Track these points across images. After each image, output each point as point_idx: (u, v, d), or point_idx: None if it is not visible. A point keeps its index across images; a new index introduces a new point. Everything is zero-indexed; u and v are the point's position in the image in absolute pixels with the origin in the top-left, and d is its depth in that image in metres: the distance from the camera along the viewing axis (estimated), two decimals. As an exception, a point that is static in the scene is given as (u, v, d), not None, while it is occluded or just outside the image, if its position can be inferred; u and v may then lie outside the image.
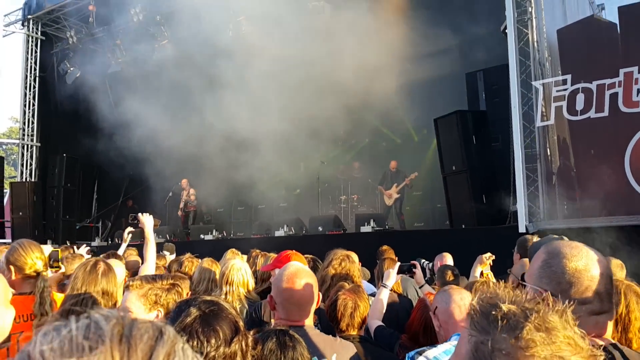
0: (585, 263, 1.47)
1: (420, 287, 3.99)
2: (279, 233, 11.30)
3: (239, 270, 3.66)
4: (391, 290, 3.75)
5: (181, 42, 14.35)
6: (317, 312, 2.89)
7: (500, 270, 4.42)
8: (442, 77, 12.49)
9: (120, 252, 5.80)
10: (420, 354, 2.10)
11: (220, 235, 13.03)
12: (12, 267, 2.85)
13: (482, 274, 4.24)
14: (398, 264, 3.88)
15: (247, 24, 13.69)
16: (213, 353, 1.45)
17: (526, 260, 4.29)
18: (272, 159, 14.31)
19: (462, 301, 2.33)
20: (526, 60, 8.58)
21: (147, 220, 3.98)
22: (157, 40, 14.74)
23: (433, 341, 2.62)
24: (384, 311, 3.49)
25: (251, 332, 1.61)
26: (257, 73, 12.89)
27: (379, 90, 12.73)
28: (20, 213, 15.18)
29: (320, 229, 10.87)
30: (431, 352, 2.10)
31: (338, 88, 12.24)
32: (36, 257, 2.90)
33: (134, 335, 0.58)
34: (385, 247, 5.96)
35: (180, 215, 14.71)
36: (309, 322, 2.40)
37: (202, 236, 12.76)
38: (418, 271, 4.05)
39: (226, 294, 3.64)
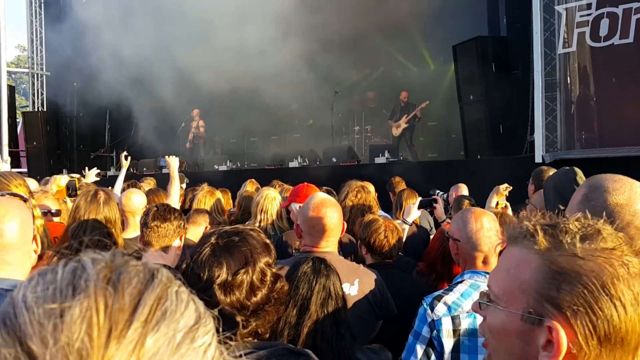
0: (627, 197, 1.41)
1: (441, 222, 3.94)
2: (293, 164, 11.32)
3: (273, 199, 3.82)
4: None
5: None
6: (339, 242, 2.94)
7: (517, 200, 4.38)
8: (461, 2, 11.98)
9: (120, 179, 5.87)
10: (438, 299, 2.10)
11: (234, 166, 13.09)
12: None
13: (497, 204, 4.21)
14: (419, 199, 3.88)
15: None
16: (229, 279, 1.46)
17: (542, 191, 4.25)
18: (284, 89, 14.11)
19: (487, 249, 2.24)
20: (550, -17, 8.15)
21: (173, 161, 4.53)
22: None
23: (450, 270, 2.64)
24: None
25: (275, 268, 1.61)
26: (265, 12, 12.49)
27: (394, 16, 12.30)
28: (35, 143, 15.31)
29: (334, 159, 10.85)
30: (449, 297, 2.10)
31: (350, 13, 11.85)
32: (20, 185, 2.93)
33: (122, 279, 0.54)
34: (397, 178, 5.91)
35: (188, 146, 14.72)
36: (334, 249, 2.50)
37: (215, 166, 12.83)
38: (439, 206, 4.03)
39: (260, 222, 3.81)
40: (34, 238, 1.89)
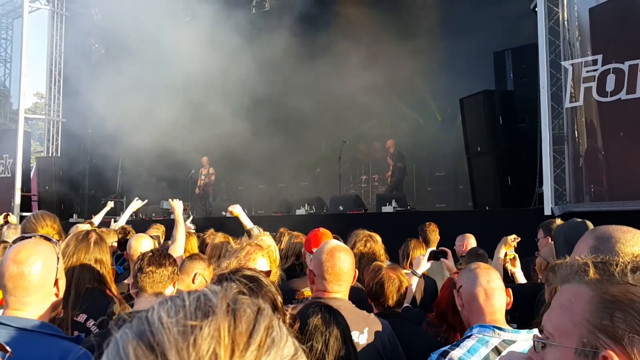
0: None
1: (453, 274, 3.91)
2: (300, 212, 11.33)
3: (268, 246, 3.75)
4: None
5: (206, 19, 14.31)
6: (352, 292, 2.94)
7: (525, 252, 4.35)
8: (468, 56, 12.25)
9: (124, 218, 5.96)
10: (444, 356, 2.08)
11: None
12: None
13: (506, 255, 4.18)
14: (429, 250, 3.85)
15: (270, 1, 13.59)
16: None
17: (552, 243, 4.22)
18: (293, 138, 14.31)
19: (488, 284, 2.23)
20: (556, 39, 8.35)
21: (177, 205, 4.52)
22: (181, 17, 14.74)
23: (462, 320, 2.61)
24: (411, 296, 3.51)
25: (289, 309, 1.61)
26: (276, 53, 12.84)
27: (401, 69, 12.57)
28: (47, 187, 15.48)
29: (341, 208, 10.86)
30: (456, 353, 2.07)
31: (359, 68, 12.12)
32: (46, 225, 2.99)
33: (239, 309, 0.64)
34: (432, 226, 5.69)
35: (198, 192, 14.82)
36: (345, 295, 2.51)
37: (223, 213, 12.86)
38: (449, 258, 3.98)
39: None
40: (56, 282, 1.91)
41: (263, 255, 2.75)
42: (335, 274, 2.44)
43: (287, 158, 14.69)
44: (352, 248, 3.85)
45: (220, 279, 1.64)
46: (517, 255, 4.18)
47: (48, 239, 2.27)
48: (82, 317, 2.67)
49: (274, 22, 13.41)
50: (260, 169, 14.64)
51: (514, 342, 2.05)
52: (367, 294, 3.05)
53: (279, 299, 1.56)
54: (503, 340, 2.05)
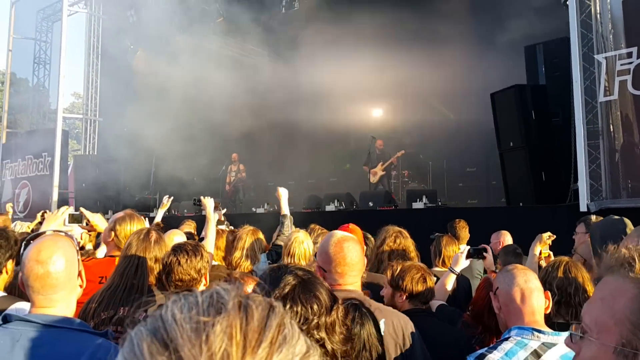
0: None
1: (491, 272, 3.79)
2: (330, 208, 11.37)
3: (301, 243, 3.80)
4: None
5: (236, 18, 14.48)
6: (369, 287, 2.94)
7: (560, 250, 4.31)
8: (499, 51, 12.09)
9: (158, 218, 6.09)
10: (481, 359, 2.03)
11: (271, 209, 13.25)
12: (112, 233, 3.24)
13: (540, 253, 4.15)
14: (467, 247, 3.72)
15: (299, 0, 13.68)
16: (316, 320, 1.46)
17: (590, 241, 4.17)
18: (322, 134, 14.37)
19: (526, 284, 2.17)
20: (588, 32, 8.18)
21: (208, 202, 4.50)
22: (213, 18, 14.96)
23: (498, 322, 2.60)
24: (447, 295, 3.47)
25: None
26: (306, 50, 12.91)
27: (431, 64, 12.49)
28: (83, 184, 15.90)
29: (371, 204, 10.87)
30: (493, 356, 2.01)
31: (389, 63, 12.09)
32: (136, 229, 3.16)
33: (251, 305, 0.65)
34: (462, 222, 5.61)
35: (228, 189, 15.02)
36: (358, 287, 2.41)
37: (254, 209, 13.01)
38: (489, 256, 3.82)
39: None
40: (79, 274, 1.96)
41: None
42: (347, 265, 2.32)
43: (316, 154, 14.77)
44: (381, 244, 3.85)
45: (271, 273, 1.65)
46: (552, 253, 4.15)
47: (64, 233, 2.35)
48: (142, 316, 2.74)
49: (301, 21, 13.48)
50: (290, 165, 14.74)
51: (554, 344, 1.99)
52: (394, 292, 2.96)
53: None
54: (542, 343, 2.00)
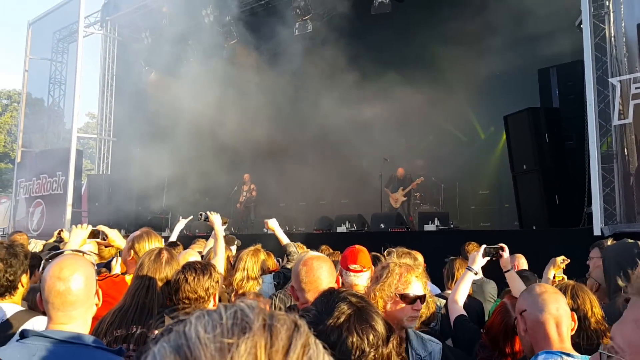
0: None
1: (506, 272, 3.64)
2: (341, 229, 11.32)
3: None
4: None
5: (249, 40, 14.71)
6: None
7: (574, 274, 4.24)
8: (512, 73, 12.11)
9: (173, 237, 6.08)
10: None
11: (282, 230, 13.20)
12: (132, 251, 3.31)
13: (554, 277, 4.09)
14: (484, 246, 3.60)
15: (313, 23, 13.85)
16: (373, 353, 1.41)
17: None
18: (334, 155, 14.40)
19: (557, 311, 2.07)
20: (602, 56, 8.17)
21: (215, 219, 4.37)
22: (227, 40, 15.19)
23: (513, 346, 2.52)
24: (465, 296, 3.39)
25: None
26: (318, 72, 13.01)
27: (444, 86, 12.53)
28: (97, 203, 16.03)
29: (382, 226, 10.81)
30: None
31: (401, 85, 12.14)
32: (154, 246, 3.26)
33: (276, 325, 0.63)
34: (473, 245, 5.53)
35: (240, 208, 15.04)
36: None
37: (265, 230, 12.97)
38: (505, 254, 3.63)
39: None
40: (96, 292, 2.04)
41: (417, 277, 2.45)
42: (311, 283, 2.33)
43: (328, 175, 14.77)
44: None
45: (323, 300, 1.56)
46: (565, 277, 4.09)
47: (83, 253, 2.42)
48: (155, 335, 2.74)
49: (315, 43, 13.62)
50: (301, 186, 14.75)
51: None
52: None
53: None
54: None
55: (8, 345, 1.83)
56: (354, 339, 1.40)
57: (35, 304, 2.57)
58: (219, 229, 4.32)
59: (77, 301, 1.92)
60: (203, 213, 4.49)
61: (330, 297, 1.53)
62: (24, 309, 2.61)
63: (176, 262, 2.97)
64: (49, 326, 1.94)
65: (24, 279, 2.68)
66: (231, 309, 0.65)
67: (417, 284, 2.41)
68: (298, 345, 0.62)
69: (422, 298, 2.39)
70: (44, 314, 2.42)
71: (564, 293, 2.84)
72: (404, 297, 2.35)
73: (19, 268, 2.64)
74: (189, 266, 2.69)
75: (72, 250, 2.74)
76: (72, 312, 1.92)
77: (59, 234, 6.89)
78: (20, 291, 2.67)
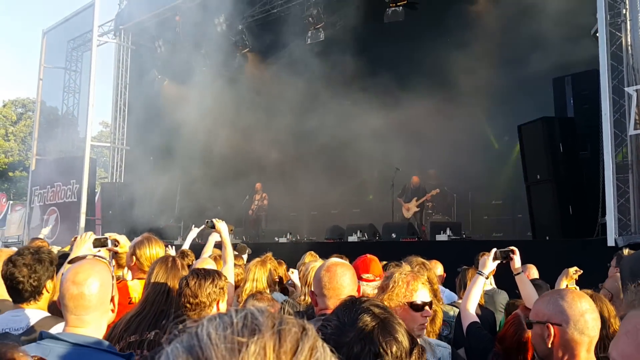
0: None
1: (516, 275, 3.57)
2: (352, 238, 11.29)
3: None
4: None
5: (261, 49, 14.80)
6: None
7: (587, 285, 4.17)
8: (526, 82, 12.03)
9: (185, 245, 6.10)
10: None
11: (293, 239, 13.21)
12: (133, 257, 3.34)
13: (567, 287, 4.03)
14: (494, 249, 3.57)
15: (325, 32, 13.93)
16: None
17: (616, 276, 4.04)
18: (346, 165, 14.38)
19: (594, 333, 1.95)
20: (618, 65, 8.09)
21: (222, 227, 4.28)
22: (240, 49, 15.30)
23: (526, 358, 2.46)
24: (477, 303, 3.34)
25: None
26: (331, 81, 13.05)
27: (457, 95, 12.47)
28: (110, 211, 16.17)
29: (393, 235, 10.77)
30: None
31: (413, 94, 12.12)
32: (155, 252, 3.32)
33: (284, 328, 0.66)
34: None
35: (251, 217, 15.07)
36: None
37: (276, 239, 12.99)
38: (516, 257, 3.56)
39: (305, 295, 3.74)
40: (112, 299, 2.06)
41: (423, 284, 2.45)
42: (334, 289, 2.33)
43: (339, 185, 14.75)
44: None
45: (345, 310, 1.53)
46: (578, 287, 4.03)
47: (102, 259, 2.43)
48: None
49: (327, 52, 13.66)
50: (313, 195, 14.74)
51: None
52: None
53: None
54: None
55: (27, 346, 1.87)
56: (379, 351, 1.40)
57: (57, 309, 2.61)
58: (226, 236, 4.25)
59: (90, 306, 1.95)
60: (209, 220, 4.42)
61: (352, 308, 1.51)
62: (49, 315, 2.63)
63: (186, 269, 2.96)
64: (65, 329, 1.98)
65: (49, 284, 2.69)
66: (242, 312, 0.68)
67: (424, 291, 2.40)
68: (306, 348, 0.65)
69: (429, 304, 2.39)
70: None
71: None
72: (413, 306, 2.35)
73: (43, 274, 2.65)
74: (193, 271, 2.69)
75: (95, 256, 2.75)
76: (85, 316, 1.95)
77: (74, 241, 6.94)
78: (46, 297, 2.68)
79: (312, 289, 2.45)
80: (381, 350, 1.40)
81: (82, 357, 1.85)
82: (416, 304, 2.34)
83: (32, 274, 2.61)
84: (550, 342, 1.98)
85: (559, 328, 1.96)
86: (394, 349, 1.41)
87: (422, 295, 2.38)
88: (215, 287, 2.61)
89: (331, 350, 0.69)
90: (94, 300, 1.96)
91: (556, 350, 1.98)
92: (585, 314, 1.95)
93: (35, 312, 2.58)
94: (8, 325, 2.48)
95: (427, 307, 2.36)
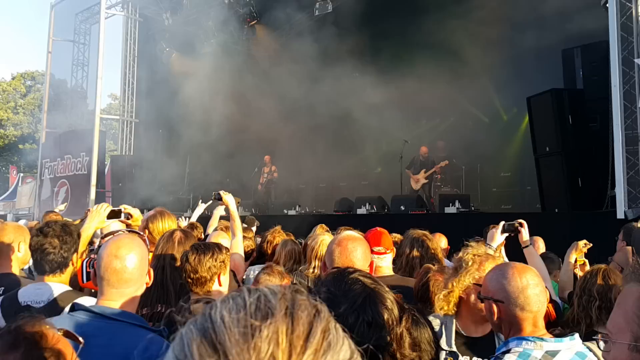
0: None
1: (525, 247, 3.58)
2: (361, 211, 11.36)
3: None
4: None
5: (269, 21, 14.67)
6: (401, 290, 2.93)
7: (596, 258, 4.23)
8: (535, 54, 11.89)
9: (193, 218, 6.20)
10: None
11: (302, 211, 13.31)
12: (146, 231, 3.32)
13: (576, 261, 4.08)
14: (502, 222, 3.59)
15: (334, 3, 13.76)
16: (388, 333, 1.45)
17: (630, 248, 4.08)
18: (354, 137, 14.38)
19: (538, 307, 1.93)
20: (629, 36, 7.98)
21: (229, 199, 4.25)
22: (247, 21, 15.17)
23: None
24: None
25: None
26: (339, 53, 12.94)
27: (466, 67, 12.37)
28: (120, 184, 16.31)
29: (402, 208, 10.83)
30: None
31: (422, 66, 12.03)
32: (168, 226, 3.34)
33: (297, 311, 0.67)
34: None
35: (260, 190, 15.16)
36: None
37: (285, 211, 13.10)
38: (524, 230, 3.57)
39: (314, 268, 3.78)
40: (148, 272, 2.15)
41: None
42: (343, 264, 2.28)
43: (348, 157, 14.78)
44: (410, 250, 3.77)
45: (335, 280, 1.56)
46: (587, 261, 4.08)
47: (138, 233, 2.49)
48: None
49: (335, 23, 13.53)
50: (321, 167, 14.79)
51: (557, 352, 1.87)
52: (415, 297, 2.90)
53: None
54: (546, 352, 1.87)
55: (59, 317, 1.95)
56: (372, 321, 1.44)
57: (75, 283, 2.66)
58: (234, 209, 4.22)
59: (131, 279, 2.03)
60: (216, 193, 4.40)
61: (342, 279, 1.54)
62: (70, 288, 2.64)
63: (191, 241, 2.97)
64: (99, 302, 2.03)
65: (75, 258, 2.73)
66: (255, 294, 0.68)
67: None
68: (318, 331, 0.65)
69: None
70: (90, 294, 2.51)
71: (596, 275, 2.96)
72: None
73: (72, 246, 2.68)
74: (193, 246, 2.70)
75: (128, 230, 2.81)
76: (125, 289, 2.03)
77: (86, 214, 7.04)
78: (70, 270, 2.71)
79: (325, 261, 2.46)
80: (374, 319, 1.45)
81: (114, 329, 1.89)
82: None
83: (63, 245, 2.62)
84: (496, 317, 2.00)
85: (502, 305, 1.96)
86: (386, 316, 1.46)
87: None
88: (215, 260, 2.61)
89: (343, 330, 0.70)
90: (135, 273, 2.03)
91: (503, 325, 2.00)
92: (525, 290, 1.92)
93: (57, 286, 2.58)
94: (30, 298, 2.49)
95: None
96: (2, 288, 2.82)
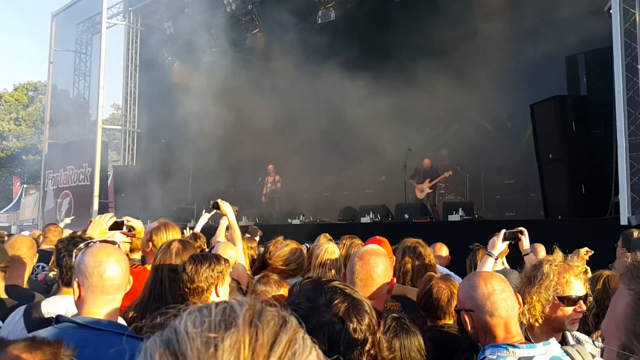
0: None
1: (525, 255, 3.58)
2: (365, 220, 11.32)
3: (332, 253, 3.74)
4: None
5: (271, 30, 14.71)
6: (398, 299, 2.91)
7: (598, 265, 4.17)
8: (539, 60, 11.88)
9: (197, 228, 6.16)
10: None
11: (306, 220, 13.27)
12: (150, 243, 3.35)
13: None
14: (503, 230, 3.57)
15: (336, 11, 13.79)
16: (371, 338, 1.50)
17: (630, 255, 4.04)
18: (357, 146, 14.36)
19: (507, 313, 1.95)
20: (632, 42, 7.97)
21: (227, 208, 4.19)
22: (250, 29, 15.22)
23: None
24: None
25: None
26: (342, 61, 12.96)
27: (470, 75, 12.36)
28: (123, 194, 16.31)
29: (406, 216, 10.79)
30: None
31: (425, 74, 12.03)
32: (172, 237, 3.29)
33: (262, 321, 0.66)
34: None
35: (264, 200, 15.12)
36: (377, 304, 2.30)
37: (289, 220, 13.07)
38: (525, 238, 3.59)
39: (317, 275, 3.75)
40: (128, 281, 2.15)
41: (576, 276, 2.32)
42: (362, 279, 2.26)
43: (352, 166, 14.76)
44: (402, 258, 3.73)
45: (315, 289, 1.58)
46: (588, 268, 4.03)
47: (113, 242, 2.50)
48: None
49: (338, 31, 13.57)
50: (325, 176, 14.78)
51: (531, 357, 1.87)
52: (418, 306, 2.88)
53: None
54: (519, 358, 1.88)
55: (44, 330, 1.92)
56: (356, 327, 1.48)
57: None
58: (233, 218, 4.16)
59: (121, 284, 2.05)
60: (213, 202, 4.32)
61: (321, 289, 1.56)
62: None
63: (190, 252, 2.93)
64: (82, 311, 2.01)
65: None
66: (221, 305, 0.69)
67: (578, 284, 2.29)
68: (283, 340, 0.65)
69: (584, 298, 2.29)
70: None
71: (597, 282, 2.97)
72: (564, 300, 2.25)
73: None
74: (191, 256, 2.68)
75: (101, 241, 2.78)
76: (117, 295, 2.04)
77: (89, 224, 7.03)
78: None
79: (346, 274, 2.39)
80: (358, 325, 1.49)
81: (100, 340, 1.86)
82: (569, 298, 2.25)
83: None
84: (470, 327, 2.02)
85: (473, 313, 1.98)
86: (367, 321, 1.50)
87: (576, 288, 2.28)
88: (213, 271, 2.58)
89: (312, 341, 0.69)
90: (117, 282, 2.04)
91: (479, 334, 2.01)
92: (491, 296, 1.94)
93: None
94: (53, 310, 2.46)
95: (581, 302, 2.25)
96: (17, 302, 2.83)
